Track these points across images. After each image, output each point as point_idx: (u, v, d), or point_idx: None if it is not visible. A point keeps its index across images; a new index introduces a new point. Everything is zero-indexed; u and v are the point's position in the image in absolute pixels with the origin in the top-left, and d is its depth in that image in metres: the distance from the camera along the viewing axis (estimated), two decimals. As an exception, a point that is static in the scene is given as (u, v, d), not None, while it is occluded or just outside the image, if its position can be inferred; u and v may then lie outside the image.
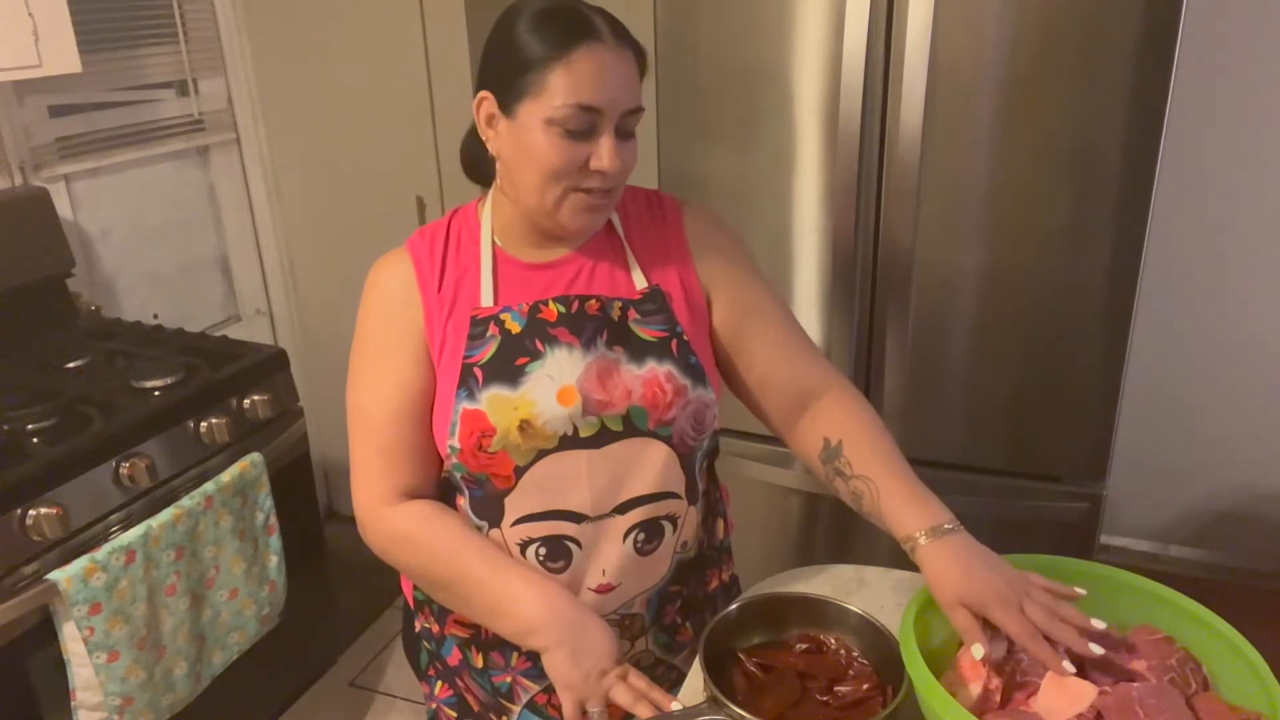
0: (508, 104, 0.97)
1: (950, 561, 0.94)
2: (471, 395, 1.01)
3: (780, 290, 1.22)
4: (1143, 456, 2.61)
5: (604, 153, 0.95)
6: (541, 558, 1.04)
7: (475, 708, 1.18)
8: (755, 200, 1.88)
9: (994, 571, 0.93)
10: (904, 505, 1.00)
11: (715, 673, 0.96)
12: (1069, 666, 0.87)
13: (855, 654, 1.02)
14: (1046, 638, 0.89)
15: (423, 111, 2.45)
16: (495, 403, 1.00)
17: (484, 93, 1.00)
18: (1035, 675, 0.91)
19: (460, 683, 1.18)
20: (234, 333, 2.47)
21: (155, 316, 2.45)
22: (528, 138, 0.96)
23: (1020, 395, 1.83)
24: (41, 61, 1.78)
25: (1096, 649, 0.89)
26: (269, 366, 2.02)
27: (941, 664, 0.94)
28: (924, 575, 0.96)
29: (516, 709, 1.14)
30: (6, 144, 2.09)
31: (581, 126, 0.95)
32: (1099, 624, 0.91)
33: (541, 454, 1.01)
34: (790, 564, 1.37)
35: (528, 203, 1.01)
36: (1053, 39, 1.60)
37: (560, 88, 0.93)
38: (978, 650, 0.90)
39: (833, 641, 1.04)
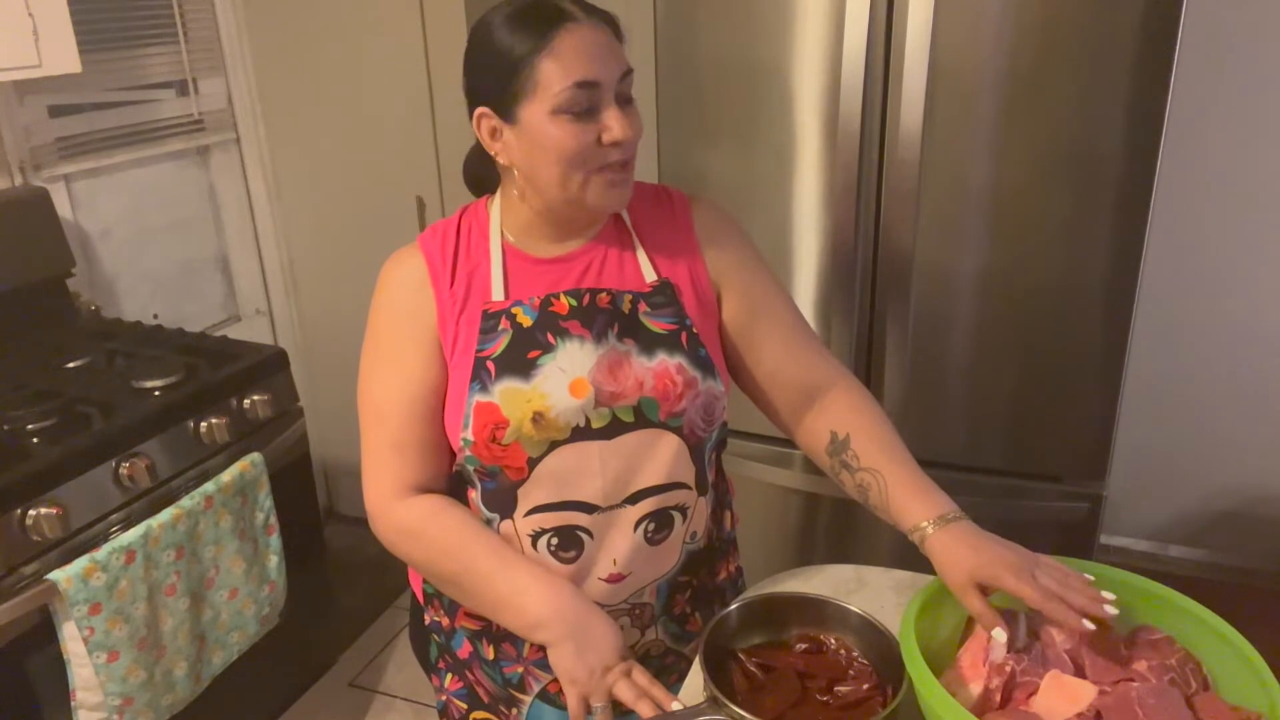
0: (508, 111, 0.99)
1: (959, 544, 0.96)
2: (485, 388, 1.02)
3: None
4: (1143, 456, 2.61)
5: (614, 123, 0.97)
6: (553, 548, 1.05)
7: (485, 699, 1.18)
8: (755, 200, 1.88)
9: (1003, 546, 0.95)
10: (911, 497, 1.02)
11: (715, 673, 0.96)
12: (1089, 624, 0.88)
13: (855, 654, 1.02)
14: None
15: (423, 111, 2.45)
16: (508, 395, 1.01)
17: (481, 109, 1.02)
18: (1035, 675, 0.91)
19: (470, 675, 1.18)
20: (234, 333, 2.47)
21: (155, 316, 2.45)
22: (539, 136, 0.98)
23: (1020, 395, 1.83)
24: (41, 61, 1.78)
25: (1111, 610, 0.90)
26: (269, 366, 2.02)
27: (941, 664, 0.94)
28: (934, 561, 0.97)
29: (527, 700, 1.15)
30: (6, 144, 2.09)
31: (585, 105, 0.97)
32: (1109, 595, 0.92)
33: (554, 445, 1.02)
34: (791, 563, 1.37)
35: (552, 198, 1.02)
36: (1053, 39, 1.60)
37: (554, 75, 0.95)
38: (1000, 634, 0.90)
39: (833, 641, 1.04)
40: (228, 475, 1.83)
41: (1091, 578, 0.95)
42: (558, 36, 0.95)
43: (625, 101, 1.00)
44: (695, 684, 0.98)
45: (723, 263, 1.12)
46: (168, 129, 2.47)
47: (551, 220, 1.06)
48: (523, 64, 0.96)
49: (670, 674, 1.17)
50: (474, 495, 1.08)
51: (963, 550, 0.95)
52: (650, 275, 1.08)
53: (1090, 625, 0.89)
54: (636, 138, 1.01)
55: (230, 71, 2.59)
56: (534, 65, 0.96)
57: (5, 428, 1.68)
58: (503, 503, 1.05)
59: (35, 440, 1.65)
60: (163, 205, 2.51)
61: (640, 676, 0.97)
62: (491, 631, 1.13)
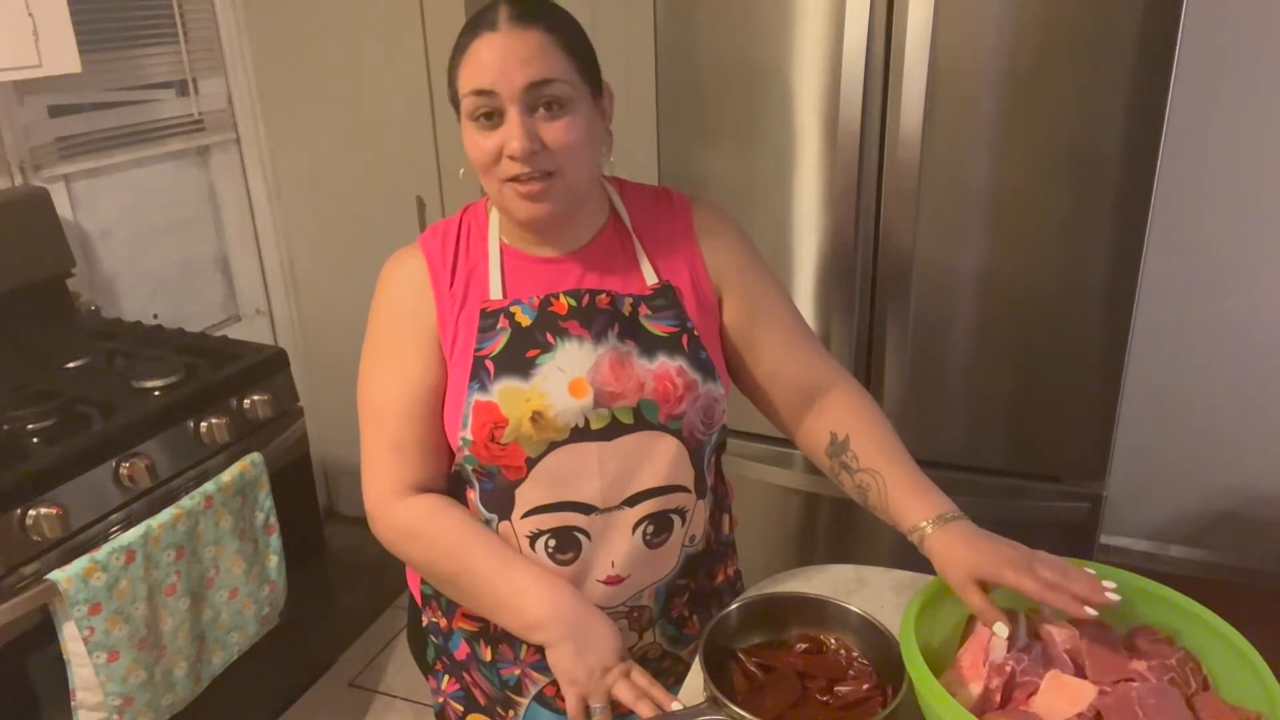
0: (458, 114, 1.03)
1: (958, 543, 0.96)
2: (484, 387, 1.02)
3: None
4: (1143, 456, 2.61)
5: (508, 134, 0.97)
6: (551, 549, 1.05)
7: (482, 701, 1.18)
8: (755, 200, 1.88)
9: (1002, 543, 0.96)
10: (910, 497, 1.03)
11: (715, 673, 0.96)
12: (1091, 611, 0.89)
13: (855, 654, 1.02)
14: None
15: (423, 111, 2.45)
16: (507, 394, 1.01)
17: None
18: (1035, 675, 0.91)
19: (467, 677, 1.18)
20: (234, 333, 2.47)
21: (155, 316, 2.45)
22: (464, 140, 1.01)
23: (1020, 395, 1.83)
24: (41, 61, 1.78)
25: (1113, 595, 0.90)
26: (269, 366, 2.02)
27: (941, 664, 0.94)
28: (934, 560, 0.98)
29: (524, 701, 1.15)
30: (6, 144, 2.09)
31: (484, 111, 0.97)
32: (1110, 583, 0.92)
33: (553, 446, 1.02)
34: (791, 564, 1.37)
35: (493, 202, 1.06)
36: (1053, 39, 1.60)
37: (461, 82, 0.99)
38: (1001, 629, 0.91)
39: (833, 641, 1.04)
40: (228, 475, 1.83)
41: (1093, 573, 0.95)
42: (473, 45, 0.98)
43: (545, 110, 0.97)
44: (695, 684, 0.98)
45: (723, 264, 1.12)
46: (168, 129, 2.47)
47: (519, 222, 1.06)
48: (453, 70, 1.01)
49: (668, 677, 1.17)
50: (472, 496, 1.08)
51: (962, 548, 0.95)
52: (651, 278, 1.08)
53: (1093, 612, 0.89)
54: (563, 150, 0.98)
55: (230, 71, 2.59)
56: (455, 74, 1.00)
57: (5, 428, 1.68)
58: (501, 503, 1.05)
59: (35, 440, 1.65)
60: (163, 205, 2.51)
61: (640, 677, 0.96)
62: (489, 633, 1.13)
